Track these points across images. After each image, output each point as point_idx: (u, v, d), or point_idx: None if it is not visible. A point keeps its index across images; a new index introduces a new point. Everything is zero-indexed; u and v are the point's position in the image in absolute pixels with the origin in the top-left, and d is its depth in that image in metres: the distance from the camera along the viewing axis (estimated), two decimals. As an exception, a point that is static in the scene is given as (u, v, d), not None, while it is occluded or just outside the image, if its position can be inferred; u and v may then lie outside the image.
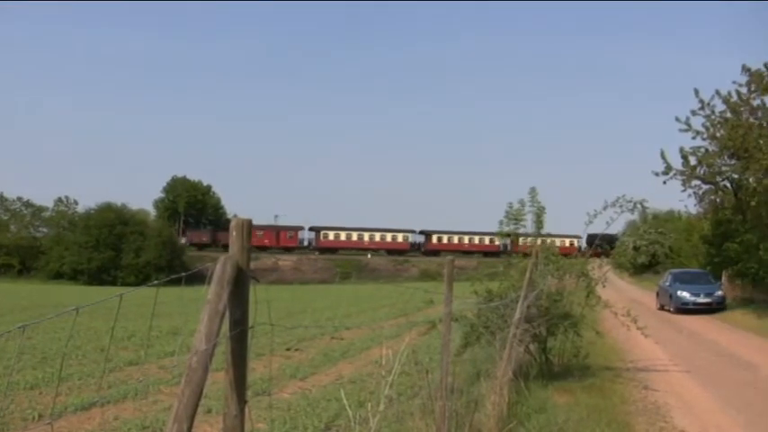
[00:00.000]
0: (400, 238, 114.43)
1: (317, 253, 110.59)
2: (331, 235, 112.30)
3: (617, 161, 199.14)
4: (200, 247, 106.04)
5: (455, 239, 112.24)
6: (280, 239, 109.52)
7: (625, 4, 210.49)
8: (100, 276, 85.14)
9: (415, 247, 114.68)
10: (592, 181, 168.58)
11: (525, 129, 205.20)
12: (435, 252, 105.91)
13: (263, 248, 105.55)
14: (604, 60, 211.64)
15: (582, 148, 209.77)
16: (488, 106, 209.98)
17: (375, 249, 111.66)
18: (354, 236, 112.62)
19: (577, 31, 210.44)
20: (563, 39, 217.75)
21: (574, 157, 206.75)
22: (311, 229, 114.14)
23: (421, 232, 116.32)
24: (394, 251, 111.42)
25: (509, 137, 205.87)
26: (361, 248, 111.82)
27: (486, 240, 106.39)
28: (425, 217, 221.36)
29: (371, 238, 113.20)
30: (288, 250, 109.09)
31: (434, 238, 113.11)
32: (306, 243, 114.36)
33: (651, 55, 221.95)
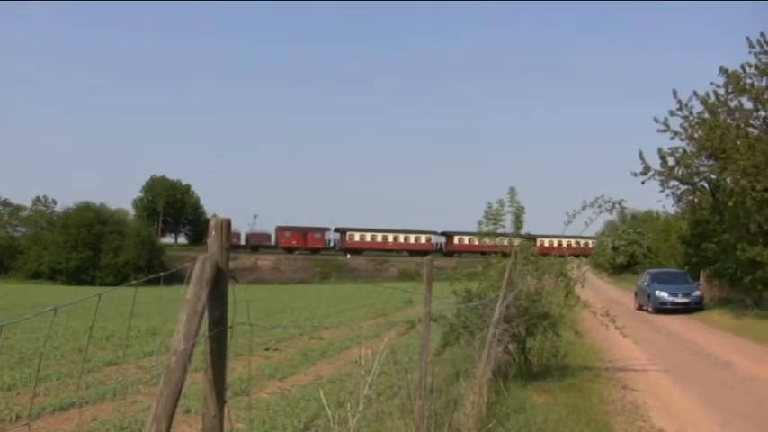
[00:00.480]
0: (423, 239, 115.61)
1: (341, 253, 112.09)
2: (356, 236, 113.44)
3: (621, 161, 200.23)
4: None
5: (476, 240, 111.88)
6: (307, 241, 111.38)
7: (625, 4, 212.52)
8: (78, 276, 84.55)
9: (436, 248, 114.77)
10: (596, 181, 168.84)
11: (526, 129, 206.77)
12: (457, 253, 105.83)
13: (290, 250, 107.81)
14: (604, 60, 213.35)
15: (584, 147, 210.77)
16: (488, 106, 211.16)
17: (399, 250, 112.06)
18: (379, 237, 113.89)
19: (577, 32, 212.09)
20: (563, 39, 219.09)
21: (579, 157, 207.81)
22: (337, 230, 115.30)
23: (442, 233, 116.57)
24: (418, 252, 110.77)
25: (510, 137, 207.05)
26: (385, 250, 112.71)
27: (506, 241, 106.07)
28: (425, 217, 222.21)
29: (396, 239, 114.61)
30: (315, 252, 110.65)
31: (455, 239, 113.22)
32: (332, 244, 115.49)
33: (651, 55, 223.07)
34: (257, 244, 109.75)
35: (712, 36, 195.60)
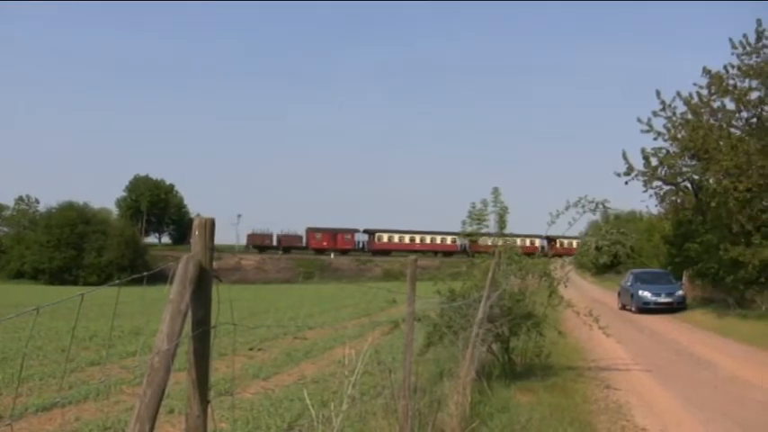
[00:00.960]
0: (449, 240, 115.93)
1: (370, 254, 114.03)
2: (385, 237, 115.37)
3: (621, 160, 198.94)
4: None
5: (499, 242, 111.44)
6: (337, 242, 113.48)
7: (625, 4, 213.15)
8: (61, 276, 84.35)
9: (461, 249, 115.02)
10: (598, 180, 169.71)
11: (525, 129, 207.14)
12: (479, 254, 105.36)
13: (321, 251, 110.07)
14: (605, 60, 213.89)
15: (585, 147, 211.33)
16: (488, 106, 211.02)
17: (425, 251, 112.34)
18: (407, 238, 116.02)
19: (577, 31, 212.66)
20: (563, 39, 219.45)
21: (580, 157, 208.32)
22: (365, 231, 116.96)
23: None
24: (444, 253, 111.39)
25: (510, 136, 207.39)
26: (412, 251, 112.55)
27: (527, 242, 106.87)
28: (425, 217, 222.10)
29: (422, 240, 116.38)
30: (344, 252, 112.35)
31: (480, 240, 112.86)
32: (361, 246, 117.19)
33: (650, 55, 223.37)
34: (288, 245, 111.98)
35: (712, 36, 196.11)
